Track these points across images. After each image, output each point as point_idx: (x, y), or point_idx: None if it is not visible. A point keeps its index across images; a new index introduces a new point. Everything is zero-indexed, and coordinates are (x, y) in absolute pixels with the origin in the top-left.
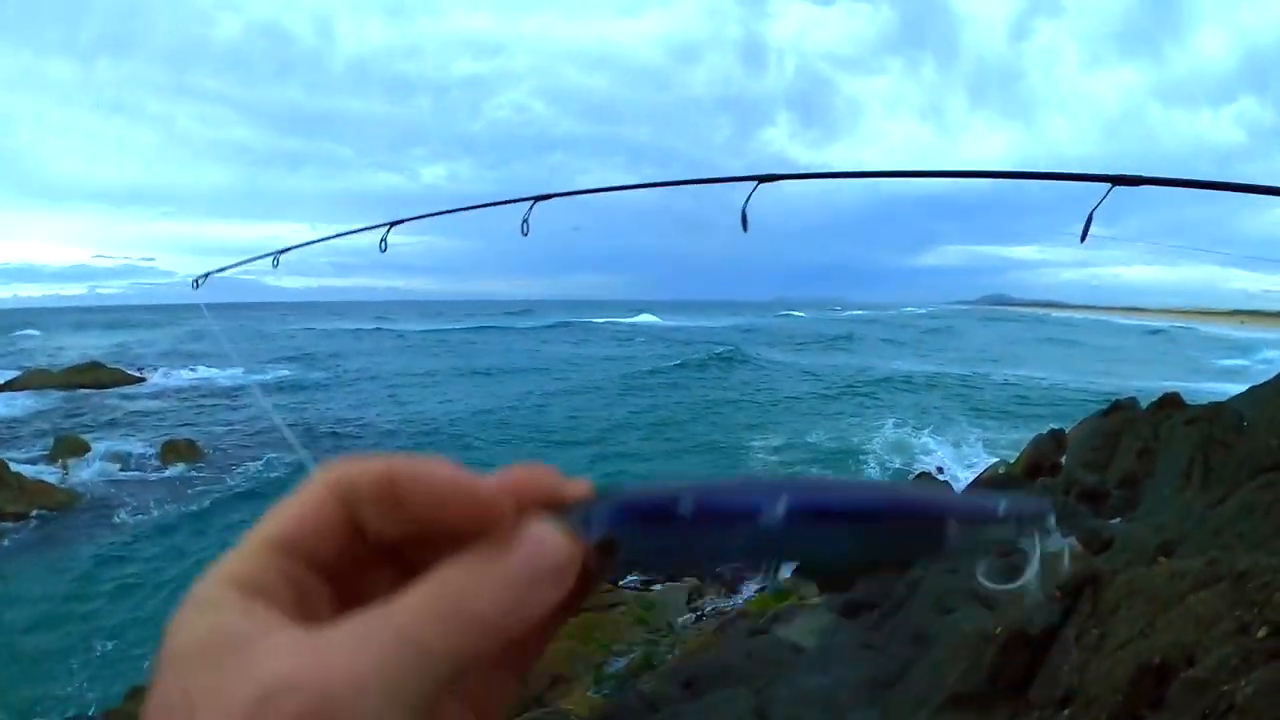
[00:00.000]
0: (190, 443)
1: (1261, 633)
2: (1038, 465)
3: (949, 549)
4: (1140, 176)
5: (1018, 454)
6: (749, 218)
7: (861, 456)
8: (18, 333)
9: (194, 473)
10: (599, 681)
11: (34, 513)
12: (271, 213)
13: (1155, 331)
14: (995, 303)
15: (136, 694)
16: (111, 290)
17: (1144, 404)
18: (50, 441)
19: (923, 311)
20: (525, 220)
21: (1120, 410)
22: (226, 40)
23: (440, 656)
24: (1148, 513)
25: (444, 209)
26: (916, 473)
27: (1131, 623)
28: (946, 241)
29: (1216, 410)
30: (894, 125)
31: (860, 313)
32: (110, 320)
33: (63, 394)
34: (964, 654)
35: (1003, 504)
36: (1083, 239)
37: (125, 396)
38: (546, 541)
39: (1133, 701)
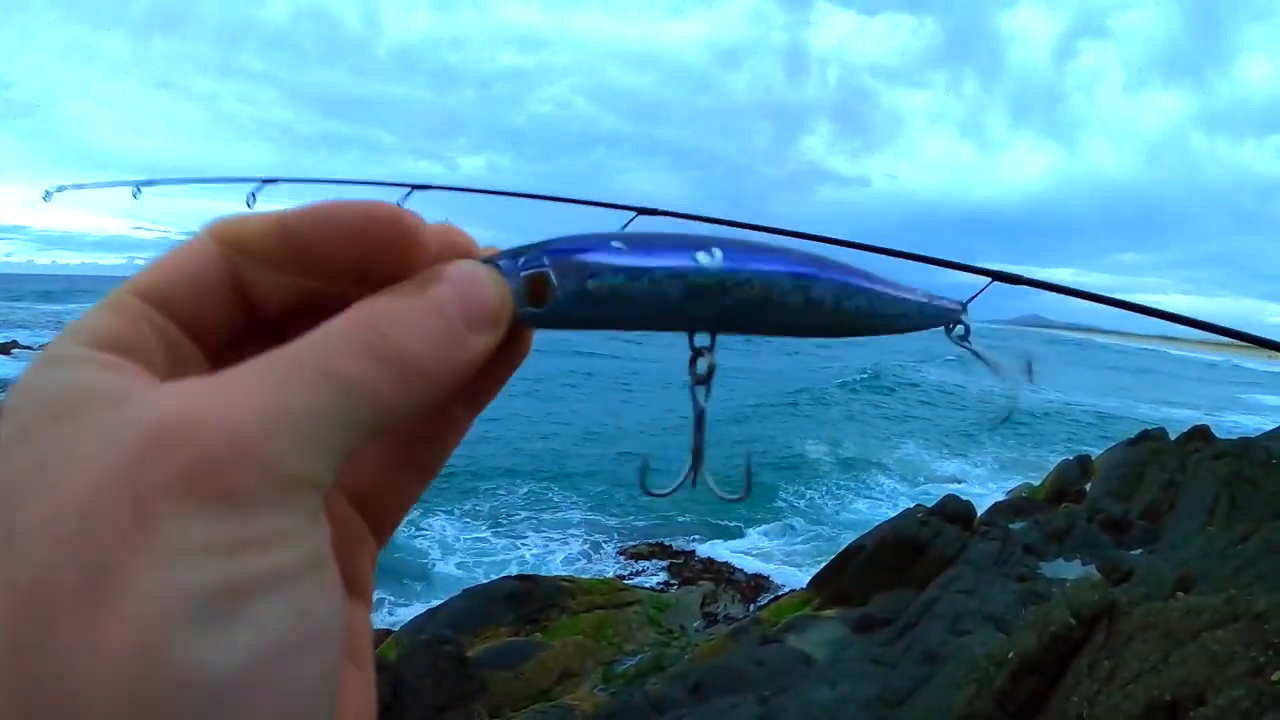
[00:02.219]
0: None
1: (1276, 676)
2: (1062, 490)
3: (870, 325)
4: (1020, 276)
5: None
6: None
7: None
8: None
9: None
10: (607, 679)
11: None
12: (314, 195)
13: (1211, 365)
14: (1030, 324)
15: None
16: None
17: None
18: None
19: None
20: (400, 206)
21: (1149, 440)
22: (274, 22)
23: (365, 395)
24: (1169, 546)
25: (317, 178)
26: None
27: (1144, 656)
28: (983, 259)
29: (1246, 446)
30: (934, 140)
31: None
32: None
33: None
34: (974, 677)
35: (919, 293)
36: (957, 333)
37: None
38: (478, 277)
39: None
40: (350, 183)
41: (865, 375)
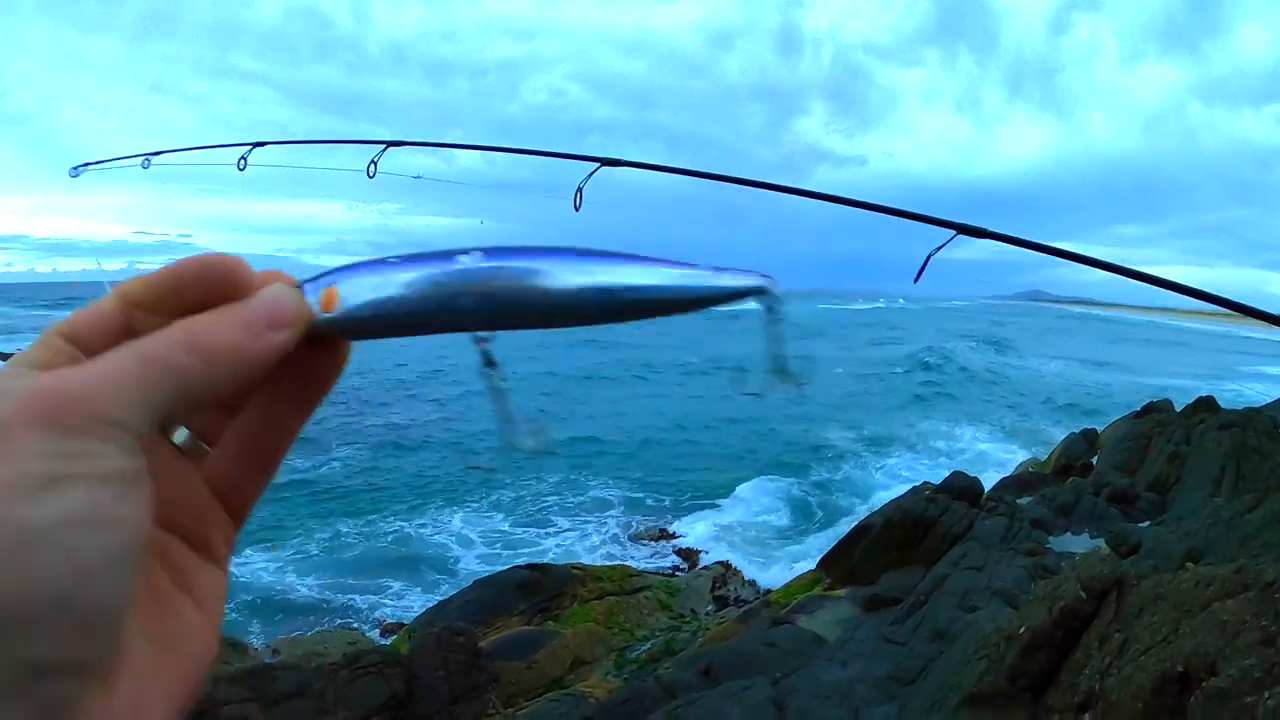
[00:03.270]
0: None
1: None
2: (1069, 464)
3: (660, 306)
4: (984, 230)
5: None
6: (584, 197)
7: None
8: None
9: None
10: (619, 666)
11: None
12: (308, 192)
13: (1214, 335)
14: (1033, 299)
15: None
16: (151, 266)
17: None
18: None
19: (964, 303)
20: (373, 162)
21: (1154, 412)
22: (266, 21)
23: (172, 368)
24: (1177, 517)
25: (302, 139)
26: None
27: (1155, 628)
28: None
29: (1251, 416)
30: (930, 116)
31: (913, 306)
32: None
33: None
34: (985, 653)
35: (709, 269)
36: (916, 280)
37: None
38: (277, 292)
39: (1153, 709)
40: (326, 141)
41: None
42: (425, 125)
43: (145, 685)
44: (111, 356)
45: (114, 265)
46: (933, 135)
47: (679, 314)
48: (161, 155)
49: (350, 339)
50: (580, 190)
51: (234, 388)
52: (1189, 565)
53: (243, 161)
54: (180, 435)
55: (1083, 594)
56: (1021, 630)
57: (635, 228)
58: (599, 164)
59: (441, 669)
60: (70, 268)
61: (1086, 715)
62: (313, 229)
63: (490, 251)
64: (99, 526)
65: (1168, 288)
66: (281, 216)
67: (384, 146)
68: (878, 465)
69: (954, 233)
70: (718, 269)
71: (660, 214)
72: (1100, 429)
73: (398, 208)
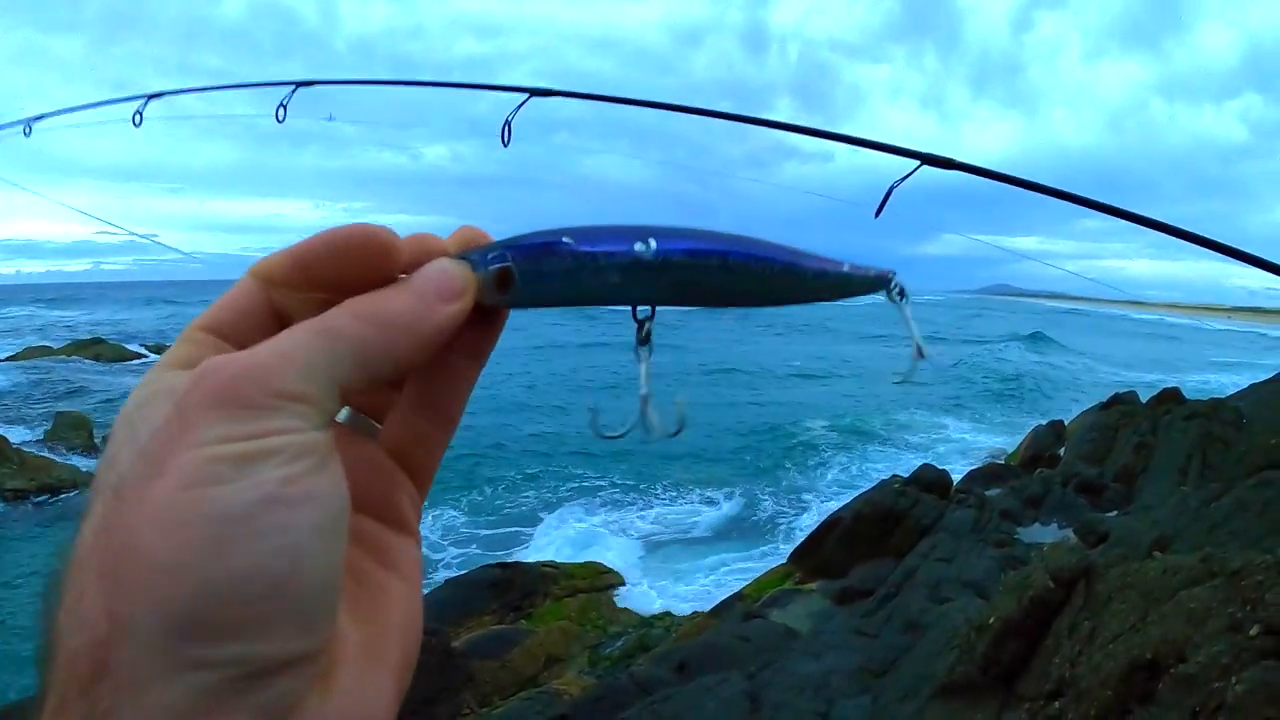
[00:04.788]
0: None
1: (1254, 631)
2: (1036, 456)
3: (801, 291)
4: (950, 160)
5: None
6: (512, 131)
7: None
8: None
9: None
10: (593, 663)
11: (35, 489)
12: (274, 190)
13: (1176, 327)
14: (999, 293)
15: None
16: (115, 266)
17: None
18: (51, 418)
19: (937, 298)
20: (283, 105)
21: (1119, 403)
22: (231, 18)
23: (353, 340)
24: (1144, 507)
25: (198, 87)
26: None
27: (1124, 617)
28: (950, 228)
29: (1215, 406)
30: (896, 113)
31: (881, 299)
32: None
33: (65, 369)
34: (956, 644)
35: (846, 265)
36: (877, 214)
37: (130, 371)
38: (447, 267)
39: (1123, 696)
40: (232, 86)
41: None
42: (392, 123)
43: (369, 674)
44: (287, 333)
45: (79, 265)
46: (899, 131)
47: (826, 299)
48: (45, 120)
49: (517, 308)
50: (508, 124)
51: (411, 357)
52: (1156, 554)
53: (138, 116)
54: (341, 414)
55: (1051, 584)
56: (992, 620)
57: (603, 219)
58: (528, 94)
59: (415, 669)
60: (34, 269)
61: (1057, 703)
62: (279, 227)
63: (662, 236)
64: (299, 503)
65: (1159, 229)
66: (247, 215)
67: (293, 88)
68: None
69: (918, 163)
70: (855, 264)
71: (624, 211)
72: (1067, 421)
73: (365, 205)
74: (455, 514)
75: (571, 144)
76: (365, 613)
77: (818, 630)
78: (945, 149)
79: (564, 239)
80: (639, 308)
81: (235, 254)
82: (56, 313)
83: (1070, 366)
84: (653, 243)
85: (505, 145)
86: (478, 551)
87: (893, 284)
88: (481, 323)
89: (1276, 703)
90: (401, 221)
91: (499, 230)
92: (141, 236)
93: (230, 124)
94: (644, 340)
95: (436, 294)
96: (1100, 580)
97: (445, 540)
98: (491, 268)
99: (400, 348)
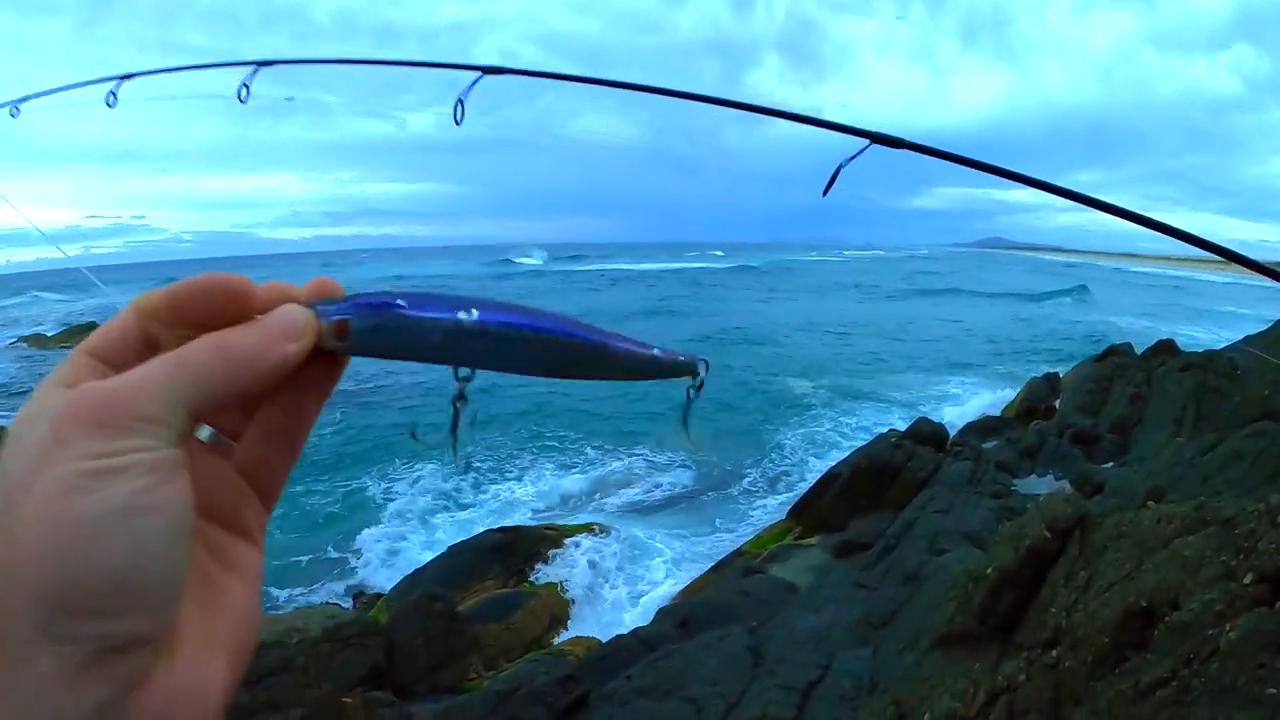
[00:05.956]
0: None
1: (1247, 578)
2: (1032, 408)
3: (610, 371)
4: (900, 140)
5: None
6: (465, 109)
7: None
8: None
9: None
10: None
11: None
12: (262, 164)
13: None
14: (992, 246)
15: None
16: (106, 250)
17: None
18: None
19: (924, 253)
20: (245, 85)
21: (1114, 355)
22: None
23: (203, 370)
24: (1139, 457)
25: (167, 68)
26: None
27: (1118, 565)
28: (940, 184)
29: (1210, 358)
30: (884, 68)
31: (881, 253)
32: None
33: (60, 358)
34: (954, 594)
35: (656, 349)
36: (825, 193)
37: None
38: (292, 312)
39: (1119, 643)
40: (193, 68)
41: None
42: (374, 92)
43: (204, 657)
44: (149, 364)
45: (71, 251)
46: (888, 87)
47: (637, 378)
48: (29, 101)
49: (356, 355)
50: (461, 102)
51: (256, 388)
52: (1150, 504)
53: (112, 97)
54: (204, 433)
55: (1047, 533)
56: (989, 571)
57: (595, 183)
58: (481, 72)
59: (420, 636)
60: (24, 257)
61: (1054, 651)
62: (268, 202)
63: (485, 307)
64: (147, 511)
65: (1094, 206)
66: (235, 191)
67: (254, 68)
68: None
69: (868, 142)
70: (666, 350)
71: (619, 171)
72: (1063, 373)
73: (353, 175)
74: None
75: (559, 106)
76: (207, 604)
77: (818, 584)
78: (935, 103)
79: (399, 301)
80: (460, 369)
81: (225, 230)
82: (54, 296)
83: (1120, 322)
84: (475, 312)
85: (458, 124)
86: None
87: (697, 375)
88: (326, 364)
89: (1269, 649)
90: (391, 190)
91: (486, 194)
92: (130, 218)
93: (215, 101)
94: (459, 397)
95: (281, 334)
96: (1095, 530)
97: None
98: (332, 318)
99: (245, 378)
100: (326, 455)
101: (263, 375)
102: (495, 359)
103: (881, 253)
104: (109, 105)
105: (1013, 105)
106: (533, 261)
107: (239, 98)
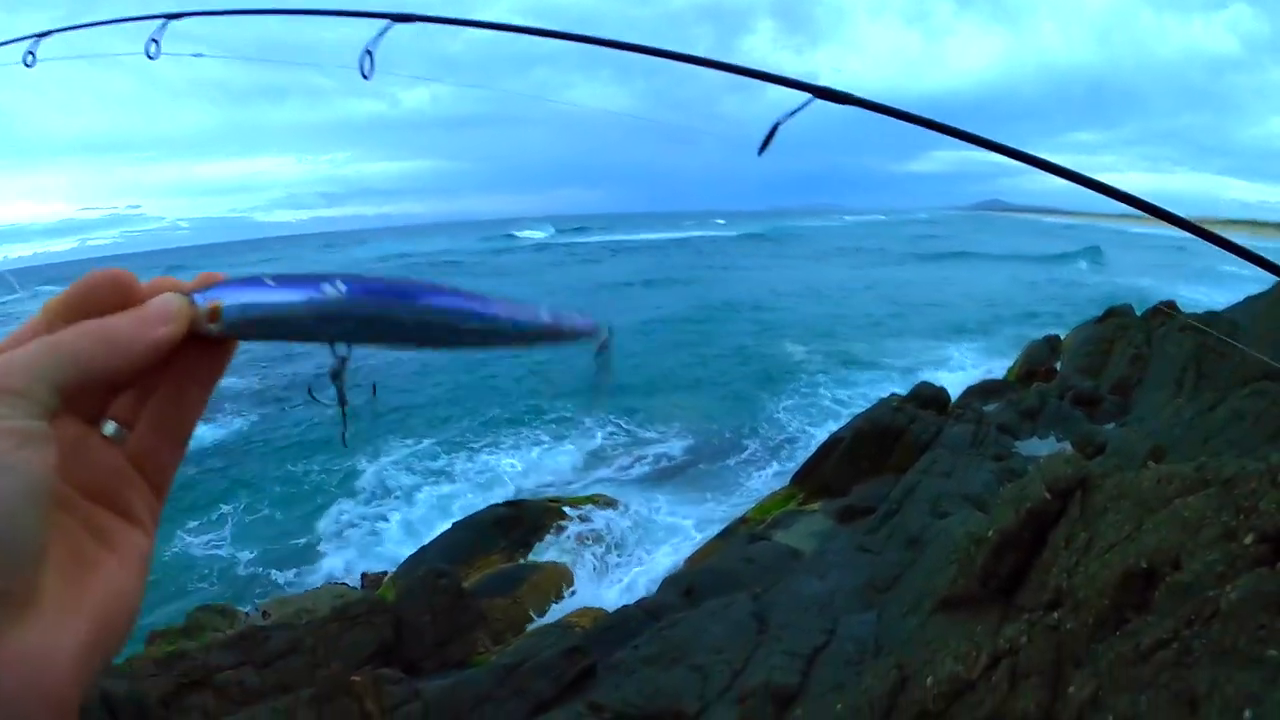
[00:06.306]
0: None
1: (1248, 539)
2: (1033, 370)
3: (502, 341)
4: (847, 95)
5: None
6: (375, 61)
7: None
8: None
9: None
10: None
11: None
12: (256, 147)
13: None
14: (990, 208)
15: (155, 638)
16: (102, 241)
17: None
18: None
19: (924, 217)
20: (155, 41)
21: (1115, 316)
22: None
23: (73, 350)
24: (1140, 418)
25: (84, 23)
26: None
27: (1119, 526)
28: (937, 148)
29: (1211, 318)
30: (879, 31)
31: (881, 218)
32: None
33: None
34: (956, 557)
35: (547, 315)
36: (760, 151)
37: None
38: (167, 298)
39: (1119, 604)
40: (114, 22)
41: None
42: (301, 49)
43: (61, 621)
44: (27, 345)
45: (64, 245)
46: (883, 50)
47: (533, 346)
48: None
49: (233, 339)
50: (370, 53)
51: (130, 366)
52: (1151, 464)
53: (30, 56)
54: (109, 428)
55: (1047, 495)
56: (990, 533)
57: (588, 154)
58: (390, 20)
59: (428, 612)
60: (21, 253)
61: (1056, 613)
62: (263, 185)
63: (352, 281)
64: (2, 472)
65: (1058, 173)
66: (230, 176)
67: (164, 21)
68: None
69: (810, 97)
70: (558, 312)
71: (611, 142)
72: (1063, 335)
73: (347, 155)
74: None
75: (552, 79)
76: (77, 578)
77: (821, 549)
78: (931, 65)
79: (267, 281)
80: (338, 345)
81: (223, 215)
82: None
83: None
84: (341, 286)
85: (366, 78)
86: None
87: (602, 339)
88: (209, 355)
89: (1270, 609)
90: (386, 169)
91: (478, 169)
92: (125, 208)
93: (204, 85)
94: (336, 375)
95: (156, 318)
96: (1096, 491)
97: None
98: (207, 300)
99: (119, 358)
100: (315, 437)
101: (138, 356)
102: (372, 333)
103: (882, 217)
104: (27, 65)
105: (1010, 66)
106: (538, 235)
107: (147, 54)
